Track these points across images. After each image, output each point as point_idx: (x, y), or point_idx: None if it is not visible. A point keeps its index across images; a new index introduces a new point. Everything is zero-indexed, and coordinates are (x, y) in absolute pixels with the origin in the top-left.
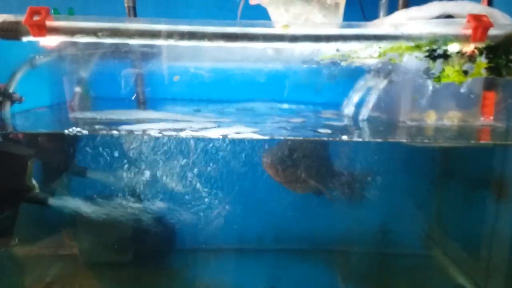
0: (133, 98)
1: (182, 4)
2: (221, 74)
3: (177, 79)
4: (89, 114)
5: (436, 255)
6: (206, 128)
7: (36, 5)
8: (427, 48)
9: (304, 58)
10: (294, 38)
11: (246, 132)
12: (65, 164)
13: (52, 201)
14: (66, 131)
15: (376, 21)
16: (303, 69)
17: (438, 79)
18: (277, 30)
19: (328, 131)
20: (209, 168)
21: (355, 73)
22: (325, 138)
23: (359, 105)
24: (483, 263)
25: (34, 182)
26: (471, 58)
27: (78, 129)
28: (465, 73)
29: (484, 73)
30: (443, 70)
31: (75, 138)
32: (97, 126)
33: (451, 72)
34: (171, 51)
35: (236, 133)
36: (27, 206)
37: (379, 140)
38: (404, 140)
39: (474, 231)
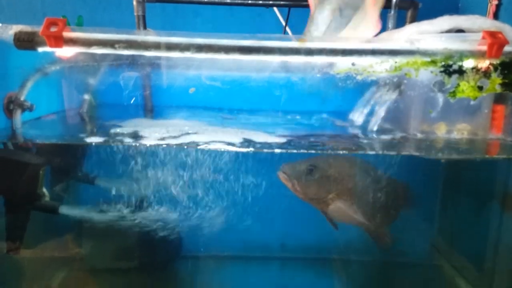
0: (131, 102)
1: (190, 13)
2: (229, 83)
3: (192, 91)
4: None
5: (442, 266)
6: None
7: (44, 13)
8: (443, 63)
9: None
10: (309, 52)
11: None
12: (74, 172)
13: (62, 210)
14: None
15: (384, 34)
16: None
17: (453, 93)
18: (293, 43)
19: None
20: (216, 177)
21: (365, 83)
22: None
23: (368, 116)
24: (488, 275)
25: (44, 190)
26: (486, 74)
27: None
28: (480, 88)
29: (498, 88)
30: (458, 85)
31: (84, 147)
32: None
33: (466, 88)
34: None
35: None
36: (37, 213)
37: (392, 153)
38: (417, 154)
39: (480, 243)
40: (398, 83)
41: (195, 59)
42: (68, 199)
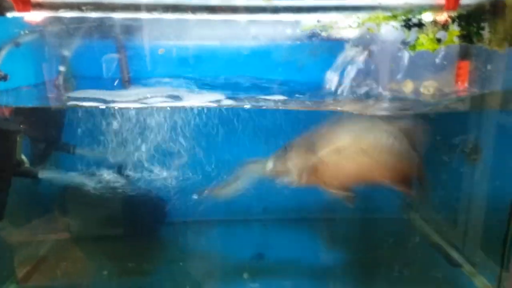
0: (115, 84)
1: None
2: (205, 52)
3: (162, 51)
4: (76, 94)
5: (413, 219)
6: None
7: None
8: (403, 17)
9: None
10: (276, 10)
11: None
12: (53, 140)
13: (42, 174)
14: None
15: None
16: (287, 46)
17: (413, 47)
18: (259, 1)
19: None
20: (197, 140)
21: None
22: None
23: (340, 79)
24: (458, 224)
25: (23, 157)
26: (444, 26)
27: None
28: (439, 41)
29: (456, 40)
30: (417, 38)
31: (62, 114)
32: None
33: (425, 40)
34: (154, 29)
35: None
36: (19, 182)
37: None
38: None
39: (448, 194)
40: (367, 43)
41: (171, 27)
42: (49, 166)
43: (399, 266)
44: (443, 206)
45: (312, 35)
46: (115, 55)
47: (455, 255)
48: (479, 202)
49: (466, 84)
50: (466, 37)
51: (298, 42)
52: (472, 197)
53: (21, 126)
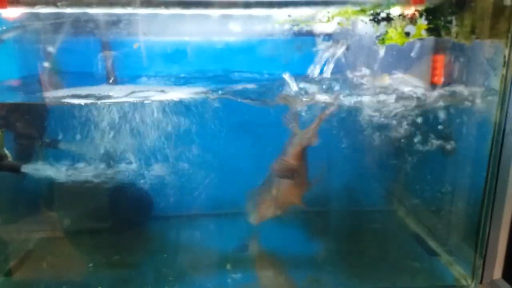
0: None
1: None
2: (191, 48)
3: (136, 46)
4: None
5: (396, 211)
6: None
7: None
8: (371, 11)
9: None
10: (247, 5)
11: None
12: (37, 135)
13: (25, 169)
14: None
15: None
16: (271, 42)
17: (382, 41)
18: None
19: None
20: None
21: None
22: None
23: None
24: (436, 215)
25: (6, 151)
26: (412, 20)
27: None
28: (407, 34)
29: (424, 34)
30: (386, 32)
31: (46, 109)
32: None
33: (394, 34)
34: (136, 25)
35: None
36: (3, 177)
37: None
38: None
39: (426, 185)
40: (344, 39)
41: (153, 25)
42: (34, 161)
43: (377, 257)
44: (422, 197)
45: (298, 32)
46: (105, 54)
47: (433, 244)
48: (454, 193)
49: (441, 78)
50: (434, 31)
51: (284, 38)
52: (447, 188)
53: (3, 121)
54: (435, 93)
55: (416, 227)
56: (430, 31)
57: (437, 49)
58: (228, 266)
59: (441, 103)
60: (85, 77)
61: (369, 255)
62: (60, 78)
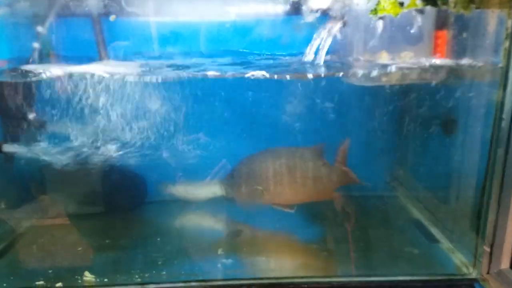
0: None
1: None
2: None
3: (114, 18)
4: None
5: (400, 196)
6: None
7: None
8: None
9: None
10: None
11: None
12: (23, 115)
13: (5, 148)
14: None
15: None
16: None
17: (374, 11)
18: None
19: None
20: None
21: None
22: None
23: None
24: (437, 200)
25: None
26: None
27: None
28: (401, 4)
29: (419, 3)
30: (379, 2)
31: (33, 88)
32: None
33: (387, 4)
34: (133, 5)
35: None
36: None
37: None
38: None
39: (427, 169)
40: (342, 14)
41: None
42: (22, 141)
43: (377, 243)
44: (423, 181)
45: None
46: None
47: (435, 231)
48: (456, 177)
49: (444, 54)
50: (429, 0)
51: (282, 18)
52: (448, 171)
53: None
54: (437, 70)
55: (419, 213)
56: (425, 0)
57: (439, 23)
58: (220, 251)
59: (442, 80)
60: (77, 58)
61: (366, 242)
62: (51, 59)
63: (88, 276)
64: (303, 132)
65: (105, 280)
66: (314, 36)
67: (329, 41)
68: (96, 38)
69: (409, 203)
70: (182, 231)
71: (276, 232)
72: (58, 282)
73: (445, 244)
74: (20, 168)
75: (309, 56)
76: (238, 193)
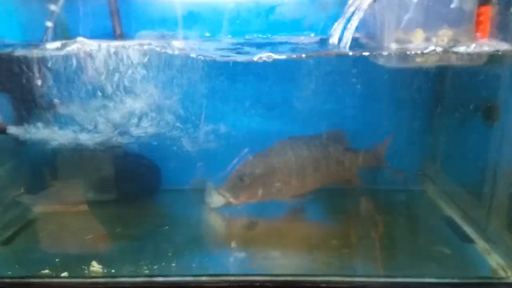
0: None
1: None
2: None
3: None
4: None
5: (429, 191)
6: None
7: None
8: None
9: None
10: None
11: None
12: (32, 97)
13: (11, 130)
14: None
15: None
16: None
17: None
18: None
19: None
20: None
21: None
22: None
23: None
24: (473, 196)
25: None
26: None
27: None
28: None
29: None
30: None
31: (43, 70)
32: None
33: None
34: None
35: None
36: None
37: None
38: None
39: (463, 161)
40: None
41: None
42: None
43: (404, 241)
44: (457, 175)
45: None
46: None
47: (468, 230)
48: (497, 171)
49: (487, 33)
50: None
51: None
52: (488, 165)
53: None
54: (479, 50)
55: (451, 210)
56: None
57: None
58: (233, 244)
59: (483, 62)
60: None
61: (392, 239)
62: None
63: (95, 266)
64: (328, 116)
65: (112, 271)
66: (341, 15)
67: (356, 19)
68: (112, 15)
69: (443, 199)
70: (195, 222)
71: (294, 225)
72: (63, 271)
73: (480, 244)
74: (32, 153)
75: (333, 38)
76: (253, 196)
